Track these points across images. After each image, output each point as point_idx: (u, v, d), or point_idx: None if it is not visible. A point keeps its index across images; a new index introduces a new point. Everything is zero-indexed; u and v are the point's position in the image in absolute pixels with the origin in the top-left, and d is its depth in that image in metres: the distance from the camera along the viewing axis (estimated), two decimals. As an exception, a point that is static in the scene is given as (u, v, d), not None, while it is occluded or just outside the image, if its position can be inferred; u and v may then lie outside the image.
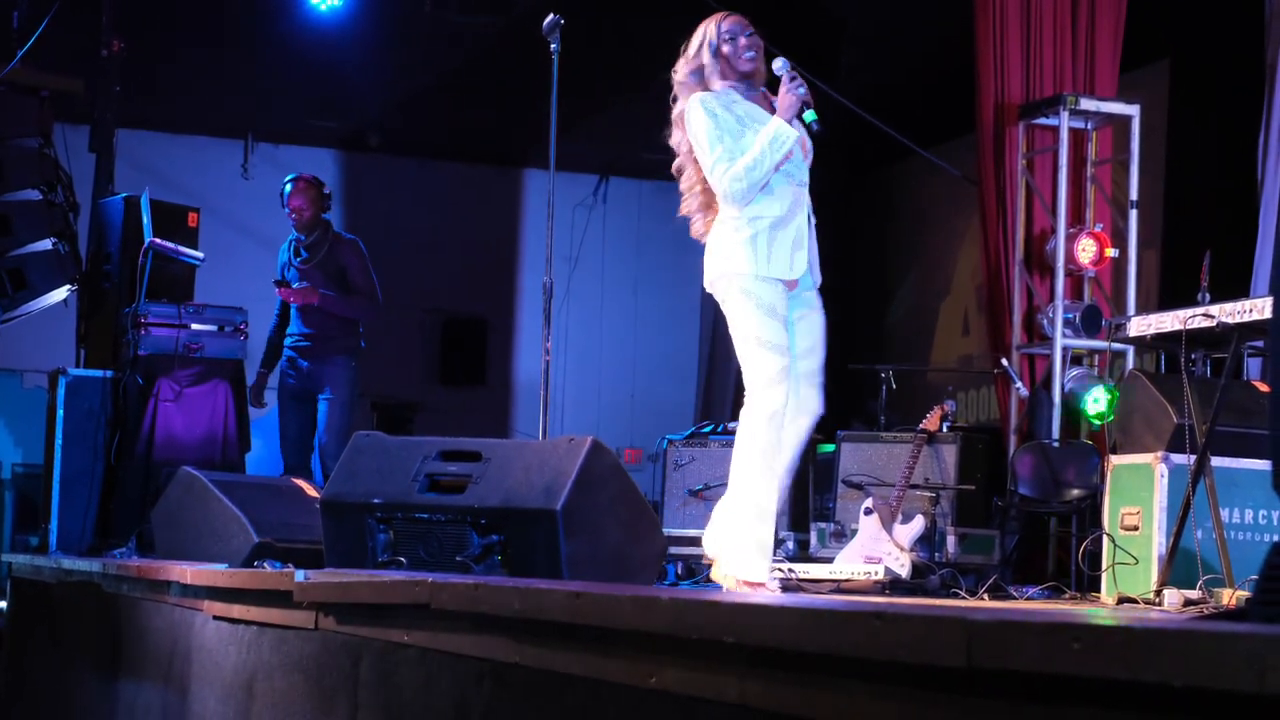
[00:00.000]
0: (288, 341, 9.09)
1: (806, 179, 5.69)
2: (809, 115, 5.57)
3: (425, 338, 15.02)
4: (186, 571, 5.87)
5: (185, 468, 7.27)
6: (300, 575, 4.79)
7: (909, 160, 12.75)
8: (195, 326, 8.92)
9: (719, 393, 14.66)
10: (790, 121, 5.57)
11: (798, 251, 5.59)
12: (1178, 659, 1.73)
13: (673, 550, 7.91)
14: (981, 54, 9.23)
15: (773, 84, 5.75)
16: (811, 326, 5.72)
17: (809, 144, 5.71)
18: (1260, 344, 6.79)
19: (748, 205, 5.58)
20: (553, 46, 7.16)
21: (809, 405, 5.79)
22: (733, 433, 9.06)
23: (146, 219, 8.97)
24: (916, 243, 13.55)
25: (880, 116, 10.93)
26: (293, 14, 11.38)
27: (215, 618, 5.59)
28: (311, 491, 7.26)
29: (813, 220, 5.67)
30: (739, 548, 5.55)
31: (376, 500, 5.45)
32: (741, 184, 5.54)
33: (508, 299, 15.24)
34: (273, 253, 9.46)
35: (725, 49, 5.81)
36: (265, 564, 5.90)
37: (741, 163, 5.55)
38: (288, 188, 9.11)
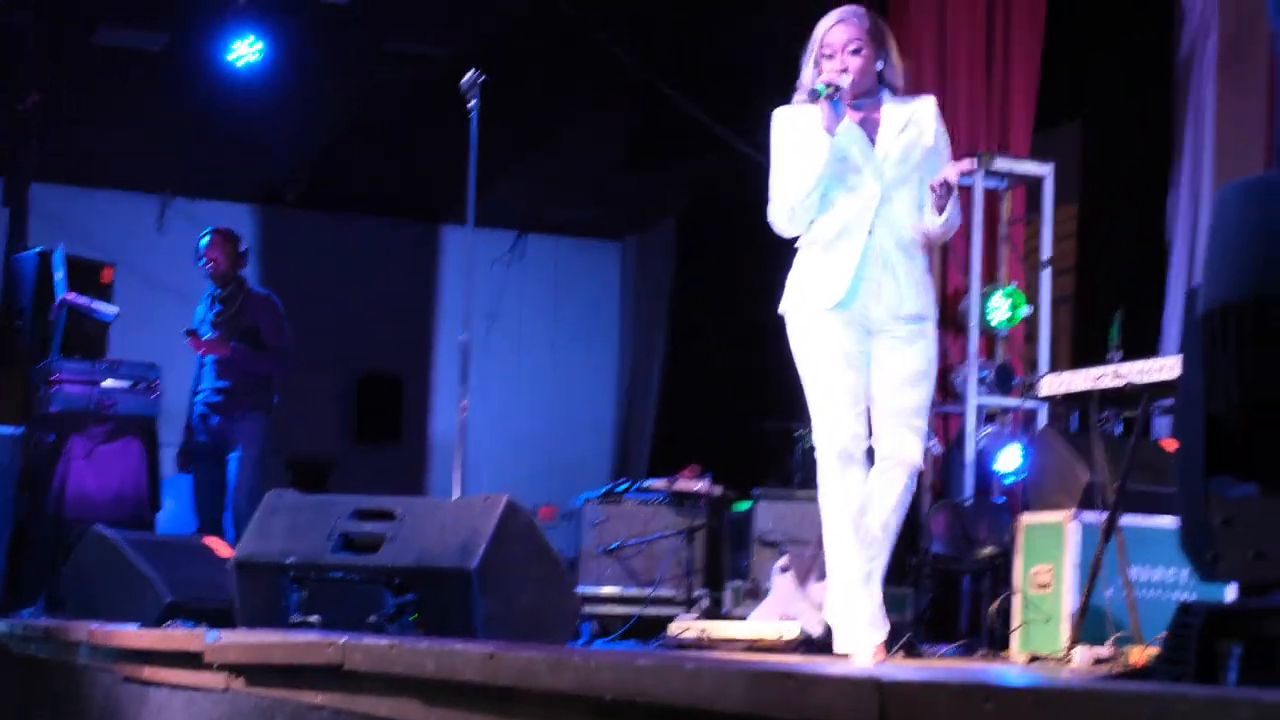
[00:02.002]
0: (199, 398, 9.03)
1: (876, 191, 5.18)
2: (820, 89, 5.10)
3: (340, 394, 14.93)
4: (96, 632, 5.80)
5: (96, 526, 7.20)
6: (211, 636, 4.75)
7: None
8: (109, 383, 8.84)
9: (635, 450, 14.67)
10: (832, 130, 5.11)
11: (848, 275, 5.15)
12: (1088, 719, 1.74)
13: (588, 609, 7.90)
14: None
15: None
16: (898, 361, 5.21)
17: (904, 148, 5.22)
18: (1169, 402, 6.87)
19: (799, 231, 5.29)
20: (472, 103, 7.18)
21: (896, 451, 5.23)
22: (649, 490, 9.14)
23: (61, 274, 8.90)
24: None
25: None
26: (211, 70, 11.35)
27: (125, 679, 5.52)
28: (224, 550, 7.20)
29: (909, 240, 5.21)
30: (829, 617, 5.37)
31: (290, 559, 5.42)
32: (775, 207, 5.29)
33: (423, 355, 15.19)
34: (188, 308, 9.41)
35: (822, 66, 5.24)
36: (176, 624, 5.85)
37: (776, 184, 5.25)
38: (205, 239, 9.08)
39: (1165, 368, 6.00)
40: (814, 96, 5.06)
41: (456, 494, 6.88)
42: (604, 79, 11.43)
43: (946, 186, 5.10)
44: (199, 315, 9.15)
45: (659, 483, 9.07)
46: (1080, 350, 9.65)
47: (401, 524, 5.39)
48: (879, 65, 5.27)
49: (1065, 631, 5.98)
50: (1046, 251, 9.15)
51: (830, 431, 5.19)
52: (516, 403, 14.98)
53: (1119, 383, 6.16)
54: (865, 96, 5.25)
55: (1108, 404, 6.51)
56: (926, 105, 5.31)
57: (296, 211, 14.80)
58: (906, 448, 5.22)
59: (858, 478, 5.20)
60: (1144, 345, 7.86)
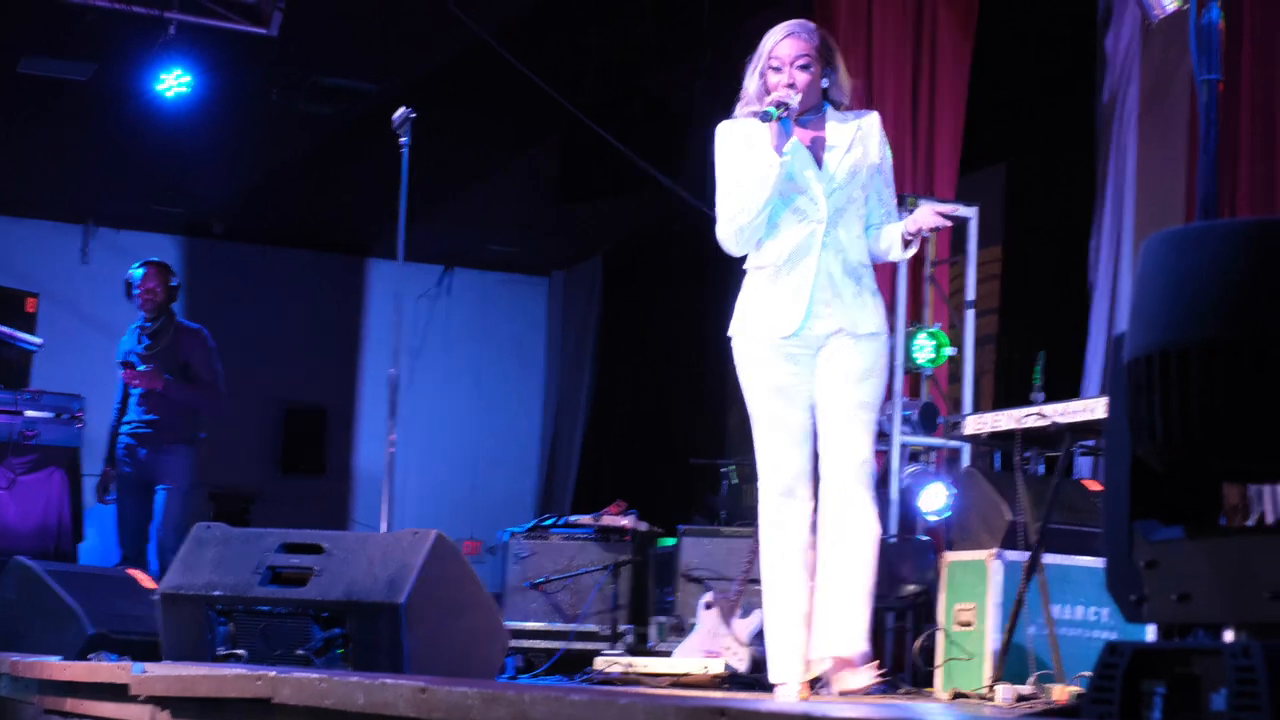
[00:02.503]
0: (125, 429, 8.97)
1: (824, 213, 5.09)
2: (771, 111, 5.00)
3: (264, 426, 14.88)
4: (18, 664, 5.77)
5: (18, 557, 7.15)
6: (137, 668, 4.73)
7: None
8: (31, 413, 8.80)
9: (560, 485, 14.68)
10: (781, 150, 5.04)
11: (801, 303, 5.05)
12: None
13: (512, 643, 7.89)
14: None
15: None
16: (847, 357, 5.08)
17: (850, 168, 5.14)
18: (1091, 443, 6.96)
19: (746, 251, 5.16)
20: (403, 140, 7.20)
21: (846, 450, 5.07)
22: (575, 525, 9.17)
23: (-17, 303, 8.86)
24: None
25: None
26: (138, 99, 11.31)
27: (47, 711, 5.49)
28: (148, 583, 7.16)
29: (857, 261, 5.11)
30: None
31: (217, 592, 5.41)
32: (722, 226, 5.17)
33: (348, 388, 15.16)
34: (111, 339, 9.36)
35: (768, 78, 5.17)
36: (100, 656, 5.81)
37: (723, 203, 5.15)
38: (139, 272, 9.03)
39: (1087, 409, 6.08)
40: (765, 118, 4.99)
41: (384, 527, 6.88)
42: (533, 116, 11.47)
43: (919, 231, 5.11)
44: (125, 347, 9.09)
45: (585, 518, 9.09)
46: (1003, 390, 9.75)
47: (330, 558, 5.40)
48: (825, 82, 5.21)
49: (988, 669, 6.03)
50: (971, 293, 9.23)
51: (773, 466, 5.13)
52: (442, 437, 14.97)
53: (1042, 423, 6.23)
54: (810, 113, 5.19)
55: (1031, 444, 6.58)
56: (871, 121, 5.25)
57: (223, 243, 14.76)
58: (856, 443, 5.07)
59: (798, 512, 5.15)
60: (1066, 386, 7.96)
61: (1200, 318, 2.49)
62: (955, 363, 9.28)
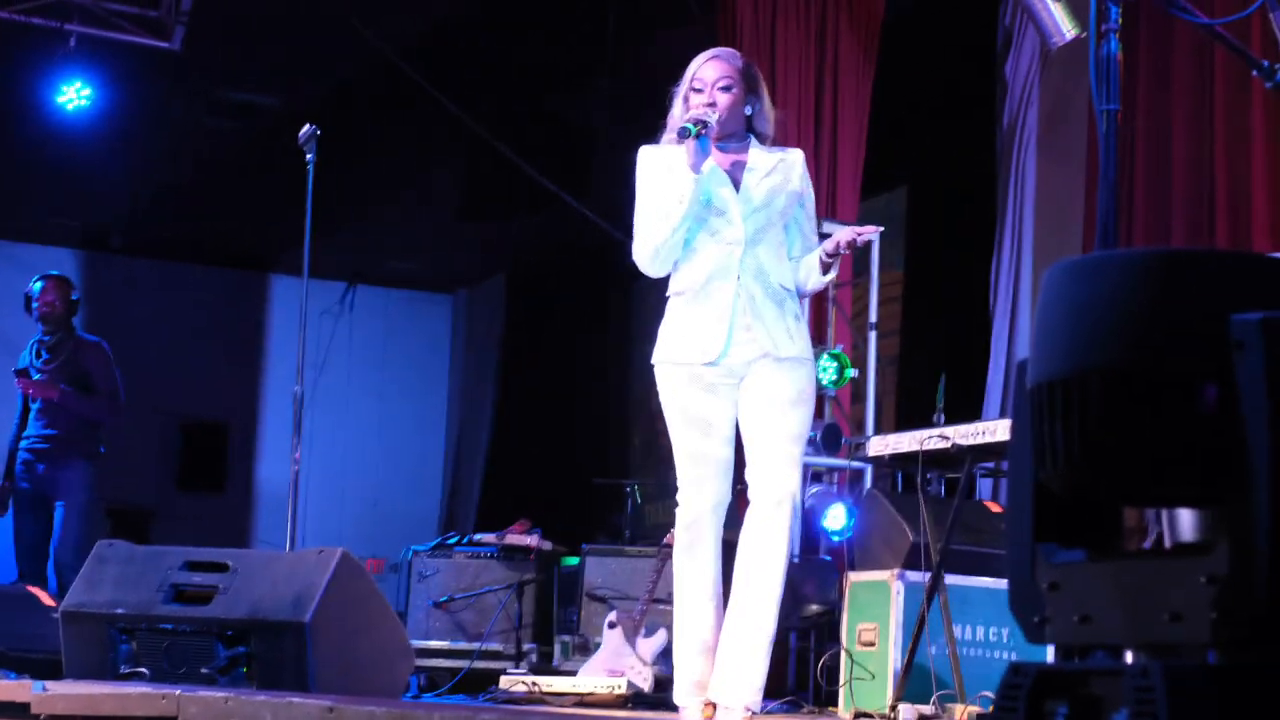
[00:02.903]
0: (24, 444, 8.87)
1: (740, 236, 4.97)
2: (689, 127, 4.87)
3: (163, 442, 14.77)
4: (-85, 682, 5.70)
5: (-86, 575, 7.08)
6: (38, 686, 4.69)
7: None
8: (-74, 428, 8.69)
9: (464, 503, 14.66)
10: (697, 169, 4.92)
11: (721, 328, 4.93)
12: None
13: (417, 662, 7.88)
14: (727, 176, 9.42)
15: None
16: (772, 384, 4.94)
17: (768, 192, 5.03)
18: (992, 465, 7.05)
19: (663, 273, 5.09)
20: (309, 157, 7.18)
21: (772, 484, 4.92)
22: (479, 544, 9.16)
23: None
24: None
25: (630, 231, 11.06)
26: (37, 111, 11.21)
27: (-54, 730, 5.43)
28: (47, 600, 7.10)
29: (778, 284, 4.98)
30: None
31: (119, 610, 5.38)
32: (638, 248, 5.08)
33: (250, 404, 15.08)
34: (9, 353, 9.26)
35: (690, 100, 5.09)
36: (1, 675, 5.76)
37: (640, 225, 5.07)
38: (38, 285, 8.94)
39: (988, 431, 6.16)
40: (682, 135, 4.88)
41: (287, 545, 6.86)
42: (438, 134, 11.47)
43: (837, 248, 4.98)
44: (24, 361, 9.00)
45: (489, 536, 9.09)
46: (905, 412, 9.85)
47: (234, 576, 5.38)
48: (749, 109, 5.11)
49: (890, 689, 6.09)
50: (873, 315, 9.32)
51: (688, 497, 5.03)
52: (344, 454, 14.92)
53: (944, 444, 6.31)
54: (733, 139, 5.09)
55: (932, 465, 6.65)
56: (795, 156, 5.14)
57: (121, 257, 14.64)
58: (783, 478, 4.91)
59: (709, 543, 5.05)
60: (967, 407, 8.06)
61: (1101, 345, 2.54)
62: (858, 384, 9.36)
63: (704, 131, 4.91)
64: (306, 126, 7.24)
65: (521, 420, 14.31)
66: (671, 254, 5.04)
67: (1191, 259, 2.62)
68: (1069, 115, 8.69)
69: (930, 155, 10.15)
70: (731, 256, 4.96)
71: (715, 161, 5.03)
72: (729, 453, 5.01)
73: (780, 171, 5.07)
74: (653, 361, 5.12)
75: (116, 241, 14.51)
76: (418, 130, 11.62)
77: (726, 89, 5.04)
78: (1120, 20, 3.52)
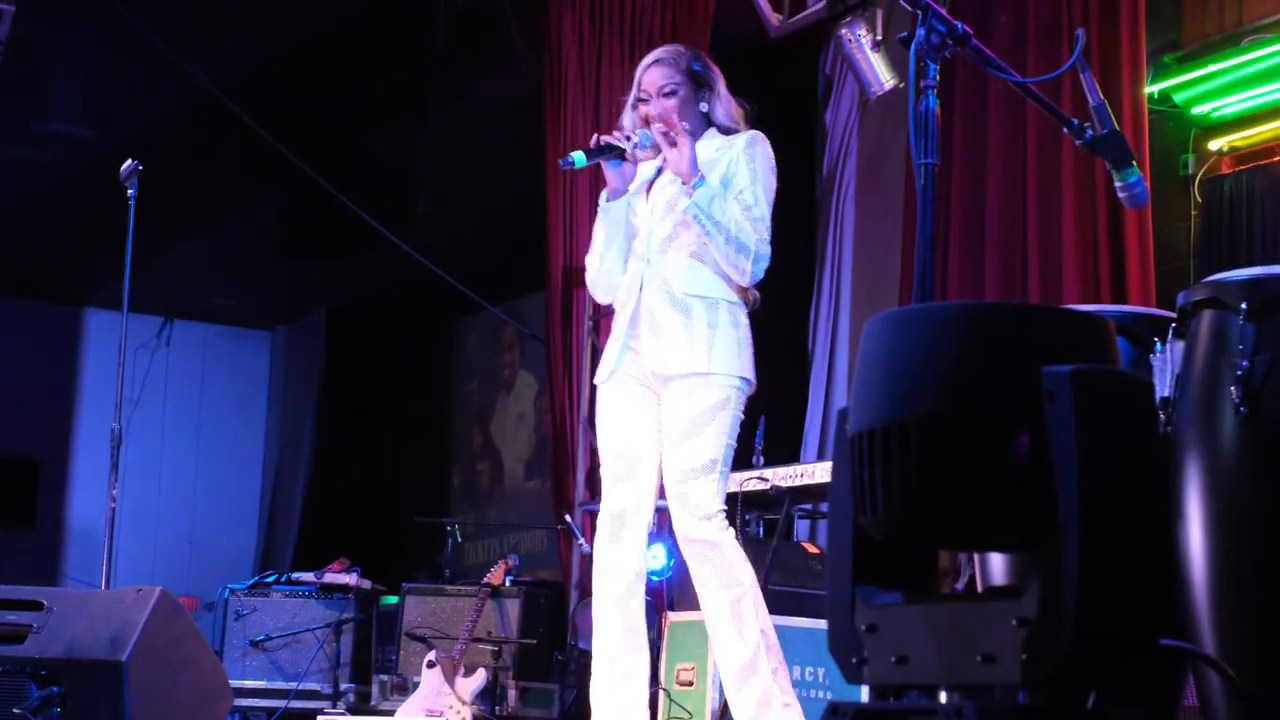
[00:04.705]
0: None
1: (644, 251, 4.81)
2: (579, 158, 4.72)
3: (-28, 477, 14.48)
4: None
5: None
6: None
7: (479, 315, 12.97)
8: None
9: (282, 541, 14.52)
10: (610, 196, 4.83)
11: (616, 344, 4.82)
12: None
13: (235, 702, 7.81)
14: (552, 216, 9.44)
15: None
16: (670, 420, 4.74)
17: (671, 197, 4.83)
18: (810, 506, 7.16)
19: (607, 300, 4.95)
20: (130, 192, 7.11)
21: (678, 530, 4.73)
22: (297, 583, 9.09)
23: None
24: (487, 399, 13.74)
25: (452, 270, 11.08)
26: None
27: None
28: None
29: (683, 293, 4.75)
30: None
31: (-72, 650, 5.27)
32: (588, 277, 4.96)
33: (63, 439, 14.81)
34: None
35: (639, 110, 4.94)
36: None
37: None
38: None
39: (807, 473, 6.27)
40: (564, 165, 4.74)
41: (103, 583, 6.77)
42: (259, 170, 11.40)
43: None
44: None
45: (307, 575, 9.04)
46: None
47: (49, 614, 5.30)
48: (703, 106, 4.92)
49: (707, 728, 6.15)
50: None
51: (603, 499, 4.87)
52: (159, 491, 14.71)
53: (763, 486, 6.41)
54: (696, 139, 4.87)
55: (751, 506, 6.74)
56: (738, 138, 4.91)
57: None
58: (677, 522, 4.72)
59: (620, 556, 4.80)
60: (786, 450, 8.17)
61: (918, 395, 2.63)
62: (678, 425, 9.41)
63: (614, 156, 4.79)
64: (128, 162, 7.16)
65: (341, 458, 14.23)
66: (605, 280, 4.91)
67: (1005, 312, 2.73)
68: (887, 164, 8.85)
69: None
70: (639, 272, 4.83)
71: (665, 172, 4.88)
72: (647, 450, 4.82)
73: (712, 165, 4.84)
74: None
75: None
76: (239, 165, 11.54)
77: (671, 94, 4.89)
78: (938, 77, 3.62)
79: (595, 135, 4.87)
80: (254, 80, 10.46)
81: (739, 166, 4.83)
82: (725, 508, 4.79)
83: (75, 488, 14.73)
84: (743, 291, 4.90)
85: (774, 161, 4.92)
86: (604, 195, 4.89)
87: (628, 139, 4.83)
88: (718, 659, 4.79)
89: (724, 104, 4.95)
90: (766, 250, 4.86)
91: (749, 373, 4.86)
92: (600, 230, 4.88)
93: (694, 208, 4.71)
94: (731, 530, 4.80)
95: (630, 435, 4.82)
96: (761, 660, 4.66)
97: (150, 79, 10.51)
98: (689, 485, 4.68)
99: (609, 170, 4.82)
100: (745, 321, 4.90)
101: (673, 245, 4.81)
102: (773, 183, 4.91)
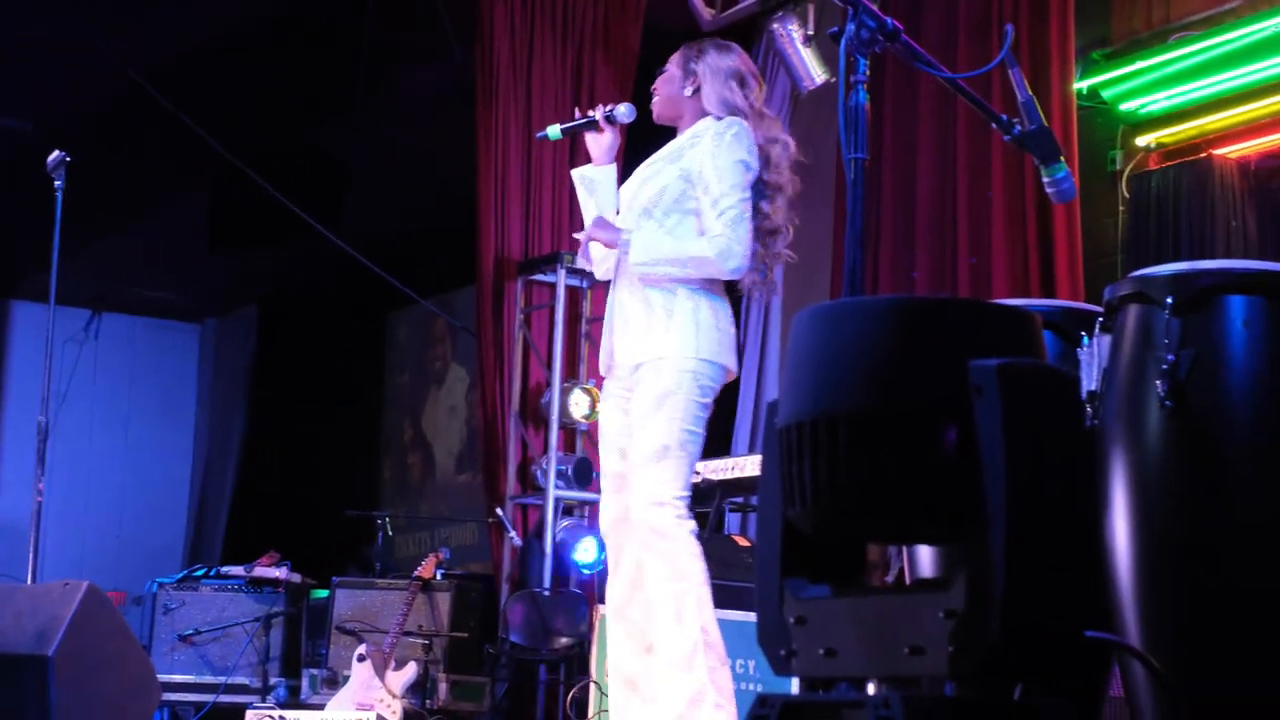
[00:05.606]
0: None
1: (623, 247, 4.82)
2: (553, 131, 5.01)
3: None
4: None
5: None
6: None
7: (411, 308, 12.93)
8: None
9: (211, 535, 14.44)
10: (599, 160, 5.00)
11: (606, 340, 4.86)
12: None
13: (163, 696, 7.77)
14: (484, 209, 9.42)
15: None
16: (631, 410, 4.78)
17: (634, 192, 4.90)
18: (740, 500, 7.18)
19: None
20: (57, 184, 7.05)
21: (630, 512, 4.72)
22: (226, 577, 9.05)
23: None
24: (418, 392, 13.71)
25: (383, 263, 11.04)
26: None
27: None
28: None
29: (643, 291, 4.75)
30: None
31: None
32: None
33: (-14, 433, 14.69)
34: None
35: None
36: None
37: None
38: None
39: (737, 466, 6.29)
40: (540, 139, 5.04)
41: (29, 578, 6.72)
42: (188, 161, 11.32)
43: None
44: None
45: (237, 569, 9.00)
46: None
47: (-26, 610, 5.27)
48: (686, 90, 4.91)
49: (637, 720, 6.15)
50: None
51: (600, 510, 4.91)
52: (87, 484, 14.59)
53: (695, 479, 6.40)
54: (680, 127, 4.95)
55: (682, 500, 6.74)
56: (704, 126, 4.87)
57: None
58: (632, 507, 4.70)
59: (615, 565, 4.84)
60: (717, 443, 8.18)
61: (846, 389, 2.64)
62: (610, 419, 9.42)
63: (587, 128, 4.99)
64: (56, 153, 7.10)
65: (271, 451, 14.16)
66: (599, 272, 5.00)
67: (933, 307, 2.74)
68: (818, 159, 8.87)
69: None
70: (614, 264, 4.88)
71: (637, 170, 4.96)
72: (621, 467, 4.83)
73: (667, 159, 4.88)
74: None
75: None
76: (167, 157, 11.46)
77: (661, 77, 4.98)
78: (868, 72, 3.64)
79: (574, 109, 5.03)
80: (183, 71, 10.39)
81: (704, 161, 4.79)
82: (685, 495, 4.74)
83: (2, 482, 14.60)
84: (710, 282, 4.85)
85: (746, 142, 4.81)
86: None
87: (605, 111, 4.99)
88: (655, 651, 4.76)
89: (708, 89, 4.88)
90: (739, 242, 4.83)
91: (712, 355, 4.79)
92: (582, 202, 5.03)
93: (639, 267, 4.75)
94: (690, 523, 4.75)
95: (618, 450, 4.85)
96: (698, 657, 4.62)
97: (78, 70, 10.42)
98: (640, 471, 4.67)
99: (589, 140, 4.98)
100: (711, 305, 4.83)
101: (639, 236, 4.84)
102: (740, 168, 4.80)
